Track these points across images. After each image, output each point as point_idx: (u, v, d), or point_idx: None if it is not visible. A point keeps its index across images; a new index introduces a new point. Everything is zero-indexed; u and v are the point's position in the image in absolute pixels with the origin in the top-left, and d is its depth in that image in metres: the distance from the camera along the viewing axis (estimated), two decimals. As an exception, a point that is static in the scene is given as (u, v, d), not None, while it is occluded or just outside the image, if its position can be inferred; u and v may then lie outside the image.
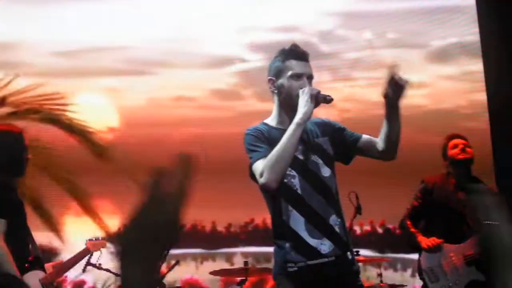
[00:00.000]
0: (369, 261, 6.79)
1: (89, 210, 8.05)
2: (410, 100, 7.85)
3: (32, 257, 4.67)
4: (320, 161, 3.81)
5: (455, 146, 5.84)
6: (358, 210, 6.08)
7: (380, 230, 8.07)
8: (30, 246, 4.76)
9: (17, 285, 2.58)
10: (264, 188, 3.67)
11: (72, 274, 6.94)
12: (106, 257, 5.88)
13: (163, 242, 1.63)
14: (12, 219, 4.38)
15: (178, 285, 7.73)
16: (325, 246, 3.70)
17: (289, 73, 3.82)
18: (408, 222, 5.95)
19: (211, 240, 8.39)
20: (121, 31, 8.64)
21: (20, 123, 6.38)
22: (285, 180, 3.68)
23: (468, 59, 7.99)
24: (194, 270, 8.24)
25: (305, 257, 3.68)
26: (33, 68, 8.52)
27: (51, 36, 8.66)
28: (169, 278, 6.61)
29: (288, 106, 3.83)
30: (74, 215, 8.16)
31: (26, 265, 4.56)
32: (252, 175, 3.74)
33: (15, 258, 4.30)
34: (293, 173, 3.72)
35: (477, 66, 7.84)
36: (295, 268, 3.68)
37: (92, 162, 8.02)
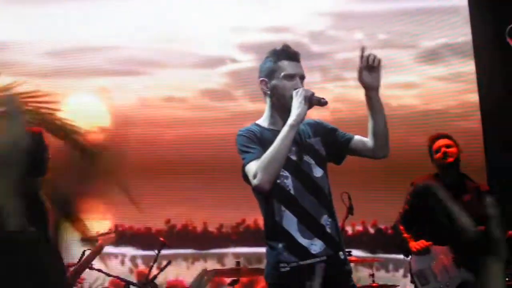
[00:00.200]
0: (360, 261, 6.79)
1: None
2: (400, 100, 7.90)
3: None
4: (312, 162, 3.81)
5: (438, 149, 5.85)
6: (350, 210, 6.10)
7: (372, 231, 8.07)
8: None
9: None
10: (257, 190, 3.67)
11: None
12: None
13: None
14: (37, 219, 4.37)
15: (165, 286, 7.73)
16: (316, 246, 3.70)
17: (282, 74, 3.82)
18: (401, 227, 5.96)
19: (203, 240, 8.39)
20: (112, 31, 8.65)
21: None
22: (278, 181, 3.68)
23: (458, 60, 8.00)
24: (185, 270, 8.24)
25: (297, 258, 3.68)
26: (24, 68, 8.51)
27: (42, 36, 8.66)
28: (161, 278, 6.61)
29: (281, 107, 3.82)
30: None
31: None
32: (245, 176, 3.73)
33: None
34: (286, 173, 3.72)
35: (468, 67, 7.85)
36: (288, 268, 3.68)
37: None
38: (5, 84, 8.15)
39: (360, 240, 7.98)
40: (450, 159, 5.81)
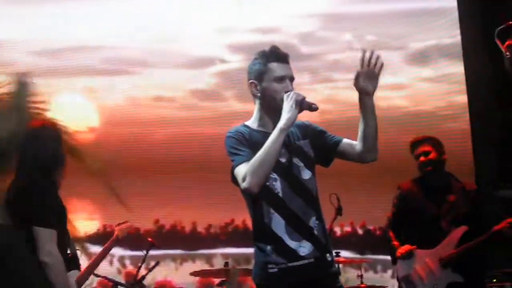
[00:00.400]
0: (349, 262, 6.80)
1: None
2: (389, 101, 7.92)
3: (71, 254, 4.62)
4: (301, 164, 3.82)
5: (417, 157, 5.86)
6: (338, 211, 6.10)
7: (360, 232, 8.08)
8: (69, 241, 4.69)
9: None
10: (246, 192, 3.67)
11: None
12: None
13: None
14: (57, 215, 4.36)
15: (153, 287, 7.71)
16: (304, 248, 3.71)
17: (272, 76, 3.81)
18: (391, 234, 5.98)
19: (191, 241, 8.38)
20: (102, 31, 8.63)
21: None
22: (267, 183, 3.68)
23: (447, 61, 8.02)
24: (174, 271, 8.23)
25: (285, 259, 3.68)
26: (13, 67, 8.49)
27: (31, 36, 8.63)
28: (149, 279, 6.60)
29: (271, 109, 3.82)
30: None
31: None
32: (234, 179, 3.72)
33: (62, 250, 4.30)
34: (275, 176, 3.72)
35: (457, 68, 7.87)
36: (276, 270, 3.69)
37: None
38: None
39: (348, 241, 7.98)
40: (428, 168, 5.82)
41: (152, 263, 6.33)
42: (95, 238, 7.99)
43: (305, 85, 7.96)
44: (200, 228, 8.40)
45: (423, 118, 7.62)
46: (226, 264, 6.38)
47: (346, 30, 8.55)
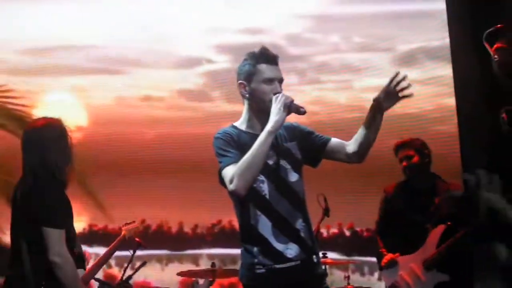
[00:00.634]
0: (335, 264, 6.80)
1: None
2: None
3: (77, 253, 4.59)
4: (288, 166, 3.83)
5: (400, 161, 5.88)
6: (326, 212, 6.11)
7: (347, 233, 8.08)
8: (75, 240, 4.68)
9: None
10: (233, 194, 3.67)
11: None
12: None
13: None
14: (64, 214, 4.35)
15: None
16: (291, 250, 3.73)
17: (261, 77, 3.82)
18: (378, 240, 6.00)
19: (177, 241, 8.36)
20: (89, 30, 8.61)
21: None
22: (254, 185, 3.69)
23: (436, 64, 8.03)
24: (160, 272, 8.22)
25: (272, 261, 3.71)
26: (1, 65, 8.47)
27: (19, 34, 8.61)
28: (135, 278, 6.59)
29: (259, 110, 3.83)
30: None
31: None
32: (221, 180, 3.73)
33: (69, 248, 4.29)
34: (262, 178, 3.73)
35: (445, 71, 7.87)
36: (263, 270, 3.71)
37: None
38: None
39: (335, 243, 7.99)
40: (411, 173, 5.84)
41: (138, 264, 6.31)
42: (80, 238, 7.96)
43: (293, 86, 7.95)
44: (187, 229, 8.38)
45: (410, 120, 7.64)
46: (213, 264, 6.38)
47: (334, 32, 8.54)
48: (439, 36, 7.92)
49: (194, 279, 6.59)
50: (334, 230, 8.06)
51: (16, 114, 8.17)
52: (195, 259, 8.31)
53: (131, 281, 6.22)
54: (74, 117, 8.40)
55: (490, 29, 3.46)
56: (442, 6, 7.86)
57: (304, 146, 3.93)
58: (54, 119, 4.52)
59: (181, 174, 8.20)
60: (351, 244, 7.95)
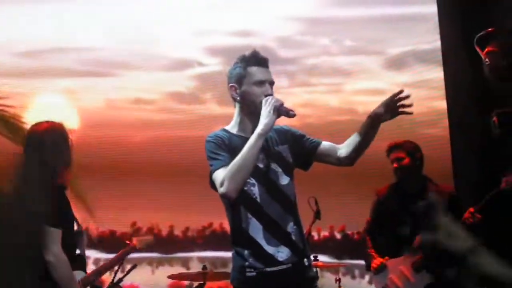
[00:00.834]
0: (326, 267, 6.80)
1: None
2: (368, 106, 7.90)
3: (79, 255, 4.76)
4: (279, 170, 3.84)
5: (392, 162, 5.90)
6: (317, 215, 6.12)
7: (338, 236, 8.09)
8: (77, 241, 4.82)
9: None
10: (224, 197, 3.68)
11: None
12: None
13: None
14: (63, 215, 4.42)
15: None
16: (282, 253, 3.74)
17: (252, 80, 3.83)
18: (368, 239, 6.01)
19: (168, 244, 8.35)
20: (80, 32, 8.58)
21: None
22: (245, 188, 3.70)
23: (426, 67, 8.05)
24: (150, 275, 8.20)
25: (263, 264, 3.72)
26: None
27: (10, 36, 8.58)
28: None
29: (250, 113, 3.84)
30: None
31: None
32: (212, 183, 3.74)
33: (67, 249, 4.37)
34: (253, 181, 3.74)
35: (436, 74, 7.89)
36: (254, 273, 3.72)
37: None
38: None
39: (326, 246, 7.99)
40: (401, 175, 5.86)
41: (128, 266, 6.30)
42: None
43: (283, 89, 7.96)
44: (177, 232, 8.37)
45: (401, 123, 7.64)
46: (204, 267, 6.37)
47: (324, 35, 8.55)
48: (430, 39, 7.94)
49: (187, 282, 6.57)
50: (325, 233, 8.06)
51: (4, 115, 8.13)
52: (185, 262, 8.29)
53: (121, 284, 6.20)
54: (65, 119, 8.35)
55: (481, 33, 3.46)
56: (433, 9, 7.88)
57: (295, 150, 3.94)
58: (56, 123, 4.64)
59: (172, 177, 8.19)
60: (342, 247, 7.95)
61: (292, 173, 3.91)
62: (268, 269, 3.70)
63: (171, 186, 8.14)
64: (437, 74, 7.86)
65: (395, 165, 5.85)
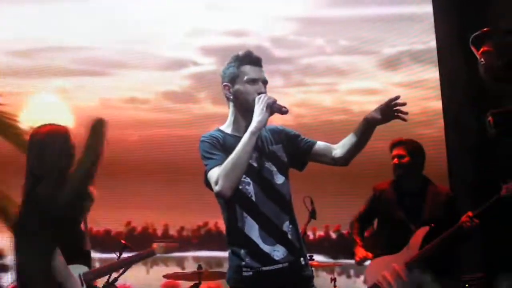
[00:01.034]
0: (321, 266, 6.80)
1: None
2: (363, 106, 7.94)
3: (84, 251, 4.86)
4: (274, 169, 3.84)
5: (392, 158, 5.91)
6: (312, 214, 6.12)
7: (333, 236, 8.09)
8: (83, 238, 4.93)
9: None
10: (219, 196, 3.68)
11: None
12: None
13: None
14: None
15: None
16: (278, 252, 3.73)
17: (245, 78, 3.84)
18: (356, 225, 6.03)
19: (163, 243, 8.33)
20: (74, 31, 8.57)
21: None
22: (240, 187, 3.70)
23: (422, 67, 8.05)
24: (144, 274, 8.18)
25: (259, 263, 3.71)
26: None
27: (4, 36, 8.57)
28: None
29: (245, 111, 3.84)
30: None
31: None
32: (207, 183, 3.74)
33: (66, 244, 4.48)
34: (248, 180, 3.74)
35: (431, 73, 7.90)
36: (250, 273, 3.71)
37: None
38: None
39: (321, 246, 7.99)
40: (399, 172, 5.87)
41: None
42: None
43: (278, 88, 7.97)
44: (172, 231, 8.36)
45: (396, 123, 7.65)
46: (200, 267, 6.36)
47: (319, 35, 8.56)
48: (425, 39, 7.95)
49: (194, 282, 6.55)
50: (320, 232, 8.06)
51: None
52: (180, 262, 8.28)
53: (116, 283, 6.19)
54: (59, 118, 8.34)
55: (477, 33, 3.47)
56: (428, 9, 7.89)
57: (289, 149, 3.94)
58: (59, 126, 4.70)
59: (167, 176, 8.18)
60: (337, 246, 7.95)
61: (287, 172, 3.91)
62: (265, 268, 3.70)
63: (166, 186, 8.13)
64: (432, 74, 7.88)
65: (395, 161, 5.86)
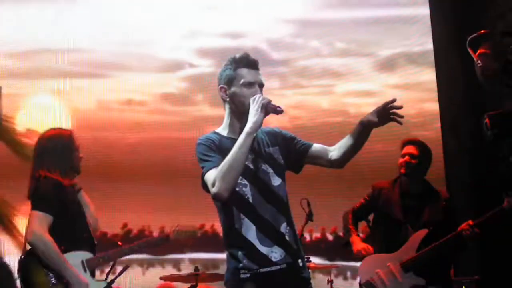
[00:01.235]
0: (318, 268, 6.81)
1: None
2: (359, 108, 7.94)
3: (87, 238, 5.12)
4: (270, 171, 3.84)
5: (403, 156, 5.90)
6: (309, 216, 6.13)
7: (330, 237, 8.09)
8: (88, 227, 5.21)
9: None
10: (216, 198, 3.68)
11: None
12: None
13: None
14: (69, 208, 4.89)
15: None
16: (276, 254, 3.73)
17: (241, 81, 3.84)
18: (350, 216, 6.03)
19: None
20: (72, 34, 8.57)
21: None
22: (237, 189, 3.71)
23: (419, 69, 8.06)
24: (140, 276, 8.18)
25: (257, 265, 3.71)
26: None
27: (1, 37, 8.56)
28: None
29: (241, 114, 3.84)
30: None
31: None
32: (204, 185, 3.74)
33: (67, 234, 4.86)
34: (244, 181, 3.75)
35: (428, 75, 7.90)
36: (248, 275, 3.71)
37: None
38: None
39: (318, 247, 7.98)
40: (405, 170, 5.86)
41: (119, 268, 6.27)
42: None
43: (274, 90, 7.97)
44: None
45: (392, 126, 7.66)
46: (196, 269, 6.36)
47: (316, 37, 8.56)
48: (422, 41, 7.95)
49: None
50: (317, 234, 8.06)
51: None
52: (176, 264, 8.28)
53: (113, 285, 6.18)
54: (56, 121, 8.36)
55: (474, 35, 3.46)
56: (424, 11, 7.90)
57: (286, 152, 3.95)
58: (64, 130, 5.13)
59: (163, 178, 8.18)
60: (334, 248, 7.95)
61: (283, 174, 3.91)
62: (262, 270, 3.70)
63: (162, 188, 8.13)
64: (429, 76, 7.88)
65: (406, 158, 5.83)
